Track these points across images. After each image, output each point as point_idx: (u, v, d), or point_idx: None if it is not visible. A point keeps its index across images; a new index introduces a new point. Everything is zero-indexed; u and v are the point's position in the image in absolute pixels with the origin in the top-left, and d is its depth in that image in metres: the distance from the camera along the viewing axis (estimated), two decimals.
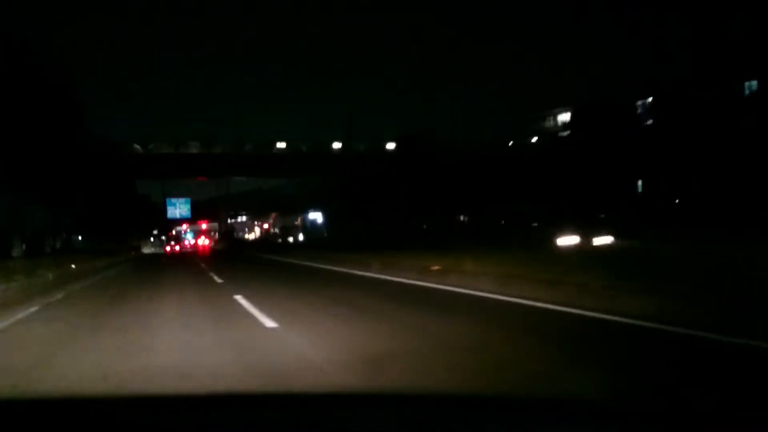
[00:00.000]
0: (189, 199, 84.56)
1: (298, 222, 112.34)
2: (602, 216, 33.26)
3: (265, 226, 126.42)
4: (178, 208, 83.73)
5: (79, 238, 63.87)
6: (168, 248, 63.19)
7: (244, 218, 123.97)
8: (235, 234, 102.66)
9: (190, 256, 39.00)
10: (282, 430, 1.51)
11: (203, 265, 24.30)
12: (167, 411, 1.70)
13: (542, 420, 1.50)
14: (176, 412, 1.68)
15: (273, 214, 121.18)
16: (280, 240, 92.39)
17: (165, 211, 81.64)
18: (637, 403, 2.52)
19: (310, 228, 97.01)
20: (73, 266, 24.71)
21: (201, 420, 1.57)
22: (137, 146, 57.02)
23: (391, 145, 55.52)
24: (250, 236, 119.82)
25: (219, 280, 14.57)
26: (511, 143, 46.94)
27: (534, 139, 50.65)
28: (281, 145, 60.77)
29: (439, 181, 40.82)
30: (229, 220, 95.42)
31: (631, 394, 3.59)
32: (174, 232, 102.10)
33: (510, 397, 2.33)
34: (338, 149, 60.80)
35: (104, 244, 59.48)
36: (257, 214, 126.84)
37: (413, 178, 42.01)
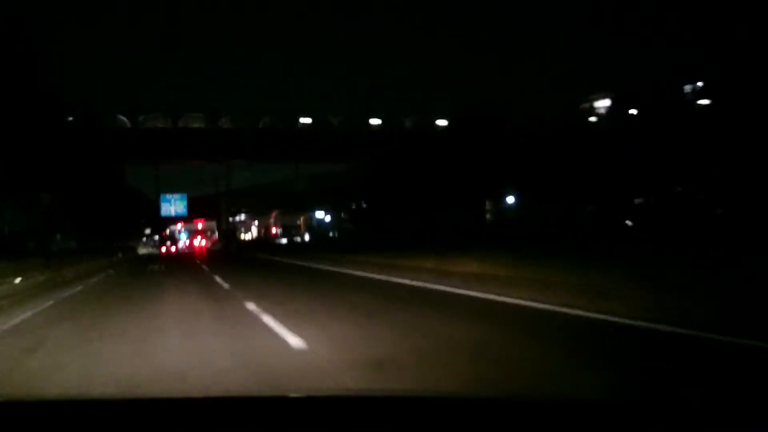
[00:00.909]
0: (185, 195, 75.79)
1: (300, 221, 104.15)
2: None
3: (256, 225, 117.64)
4: (173, 205, 74.82)
5: (60, 237, 55.89)
6: (164, 249, 56.44)
7: (243, 216, 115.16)
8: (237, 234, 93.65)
9: (195, 262, 30.33)
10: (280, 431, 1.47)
11: (220, 279, 15.79)
12: (166, 412, 1.64)
13: (544, 419, 1.48)
14: (175, 414, 1.62)
15: (273, 213, 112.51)
16: (285, 240, 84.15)
17: (158, 208, 72.84)
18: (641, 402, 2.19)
19: (316, 227, 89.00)
20: (17, 281, 16.45)
21: (201, 422, 1.52)
22: (123, 118, 46.93)
23: (442, 122, 46.96)
24: (246, 236, 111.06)
25: (296, 343, 6.07)
26: (594, 119, 38.92)
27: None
28: (306, 120, 50.74)
29: (522, 157, 32.70)
30: (230, 219, 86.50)
31: None
32: (168, 232, 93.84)
33: (511, 398, 2.12)
34: (378, 125, 50.98)
35: (92, 244, 50.84)
36: (255, 212, 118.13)
37: (480, 153, 33.84)
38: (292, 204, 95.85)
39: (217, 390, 3.81)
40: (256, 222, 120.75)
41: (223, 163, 56.57)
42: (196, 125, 47.87)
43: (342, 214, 75.96)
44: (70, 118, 29.81)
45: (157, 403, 1.82)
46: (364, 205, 71.22)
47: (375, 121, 51.20)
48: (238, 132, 48.16)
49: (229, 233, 74.42)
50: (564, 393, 3.51)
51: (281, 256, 32.98)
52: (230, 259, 33.16)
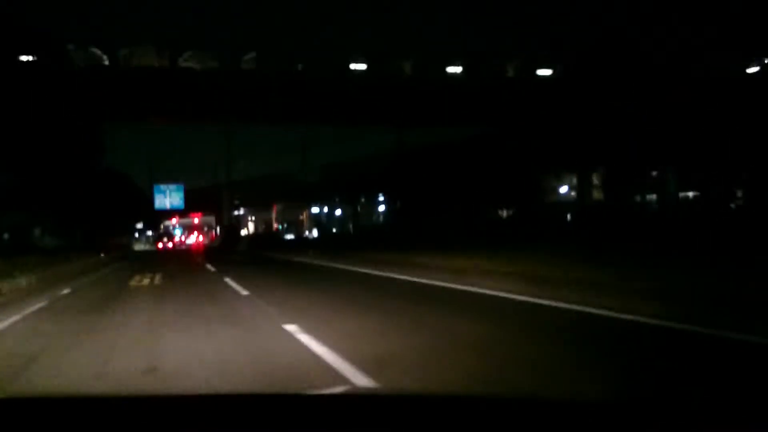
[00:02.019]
0: (182, 186, 65.41)
1: (303, 216, 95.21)
2: None
3: (253, 220, 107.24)
4: (169, 197, 64.27)
5: (40, 233, 46.21)
6: (160, 245, 47.84)
7: (241, 211, 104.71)
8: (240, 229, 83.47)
9: (209, 270, 19.82)
10: (284, 429, 1.40)
11: (319, 345, 5.58)
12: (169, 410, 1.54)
13: (544, 419, 1.43)
14: (178, 412, 1.52)
15: (275, 206, 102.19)
16: (292, 236, 74.36)
17: (152, 200, 62.28)
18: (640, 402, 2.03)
19: (325, 222, 79.46)
20: None
21: (203, 419, 1.43)
22: (97, 51, 31.80)
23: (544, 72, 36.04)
24: (242, 232, 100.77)
25: None
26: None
27: None
28: (358, 66, 34.99)
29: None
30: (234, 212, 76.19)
31: None
32: (162, 227, 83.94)
33: (512, 397, 1.99)
34: (458, 74, 36.82)
35: (75, 241, 40.69)
36: (253, 206, 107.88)
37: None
38: (296, 197, 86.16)
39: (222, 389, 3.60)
40: (253, 217, 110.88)
41: (242, 122, 42.65)
42: (204, 65, 34.81)
43: (359, 208, 66.15)
44: (30, 58, 19.52)
45: (159, 401, 1.72)
46: (381, 197, 61.73)
47: (453, 69, 37.53)
48: (267, 75, 34.82)
49: (233, 229, 63.75)
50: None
51: (315, 257, 23.04)
52: (253, 263, 22.97)
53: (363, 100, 34.22)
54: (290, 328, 6.32)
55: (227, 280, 13.39)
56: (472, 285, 10.07)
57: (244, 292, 10.54)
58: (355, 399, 1.91)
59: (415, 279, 12.03)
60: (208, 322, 7.18)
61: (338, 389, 3.26)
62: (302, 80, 33.94)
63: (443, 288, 10.31)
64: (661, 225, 26.92)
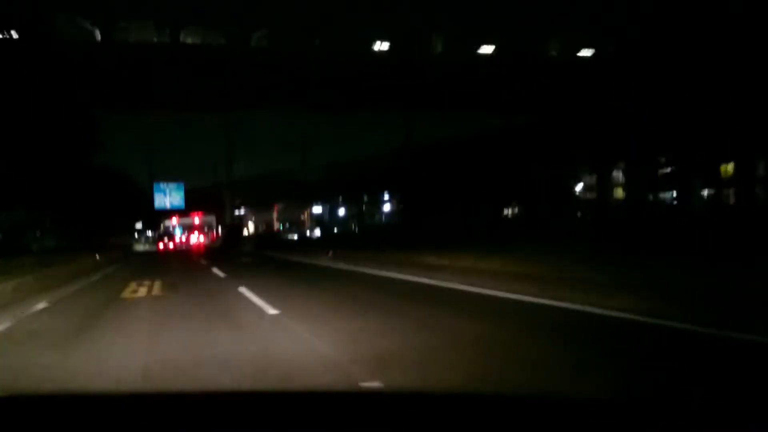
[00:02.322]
0: (182, 185, 62.96)
1: (305, 216, 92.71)
2: None
3: (253, 220, 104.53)
4: (169, 196, 61.75)
5: (40, 235, 44.19)
6: (161, 245, 49.27)
7: (242, 210, 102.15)
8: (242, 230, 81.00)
9: (219, 280, 17.17)
10: (285, 427, 1.36)
11: None
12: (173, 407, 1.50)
13: (544, 418, 1.39)
14: (179, 410, 1.48)
15: (276, 206, 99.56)
16: (296, 236, 71.88)
17: (152, 199, 59.66)
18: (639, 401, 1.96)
19: (328, 221, 76.99)
20: None
21: (205, 418, 1.39)
22: (87, 23, 28.16)
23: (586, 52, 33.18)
24: (243, 231, 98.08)
25: None
26: None
27: None
28: (381, 46, 31.35)
29: None
30: (236, 212, 73.67)
31: None
32: (162, 227, 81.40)
33: (512, 396, 1.96)
34: (489, 54, 32.50)
35: (73, 242, 38.22)
36: (253, 206, 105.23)
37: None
38: (296, 196, 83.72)
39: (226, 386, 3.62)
40: (254, 217, 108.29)
41: (248, 109, 38.53)
42: (209, 41, 30.94)
43: (363, 207, 63.78)
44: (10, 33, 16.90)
45: (160, 399, 1.68)
46: (386, 195, 59.58)
47: (486, 49, 34.26)
48: (279, 54, 30.94)
49: (235, 229, 61.25)
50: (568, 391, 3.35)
51: (340, 259, 20.47)
52: (264, 266, 20.40)
53: (381, 85, 30.84)
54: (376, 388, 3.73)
55: (242, 290, 10.76)
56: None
57: (271, 310, 7.88)
58: (357, 398, 1.86)
59: (474, 288, 9.46)
60: (229, 372, 4.58)
61: (340, 388, 3.34)
62: (317, 62, 30.47)
63: (537, 305, 7.73)
64: (677, 224, 25.01)
